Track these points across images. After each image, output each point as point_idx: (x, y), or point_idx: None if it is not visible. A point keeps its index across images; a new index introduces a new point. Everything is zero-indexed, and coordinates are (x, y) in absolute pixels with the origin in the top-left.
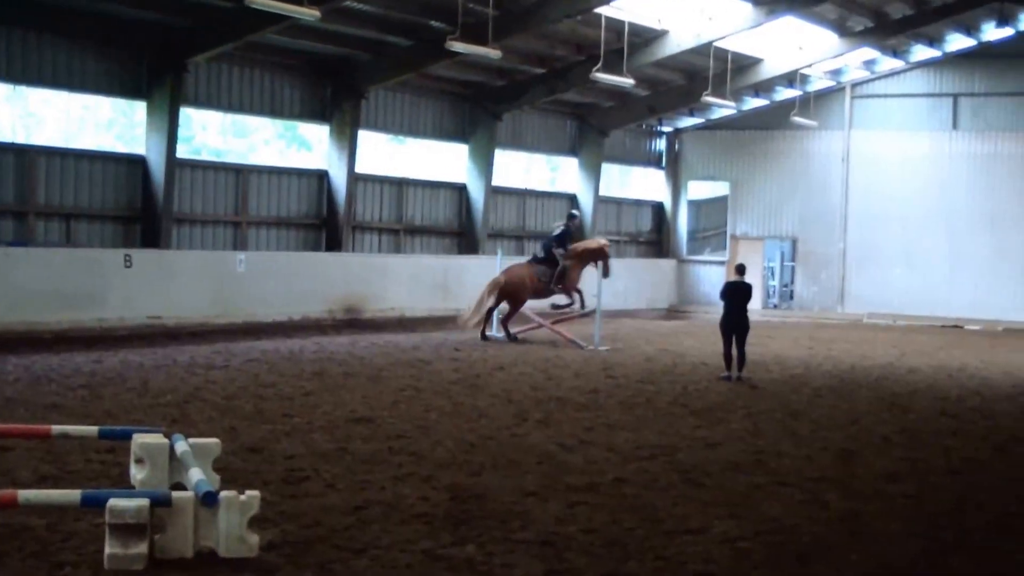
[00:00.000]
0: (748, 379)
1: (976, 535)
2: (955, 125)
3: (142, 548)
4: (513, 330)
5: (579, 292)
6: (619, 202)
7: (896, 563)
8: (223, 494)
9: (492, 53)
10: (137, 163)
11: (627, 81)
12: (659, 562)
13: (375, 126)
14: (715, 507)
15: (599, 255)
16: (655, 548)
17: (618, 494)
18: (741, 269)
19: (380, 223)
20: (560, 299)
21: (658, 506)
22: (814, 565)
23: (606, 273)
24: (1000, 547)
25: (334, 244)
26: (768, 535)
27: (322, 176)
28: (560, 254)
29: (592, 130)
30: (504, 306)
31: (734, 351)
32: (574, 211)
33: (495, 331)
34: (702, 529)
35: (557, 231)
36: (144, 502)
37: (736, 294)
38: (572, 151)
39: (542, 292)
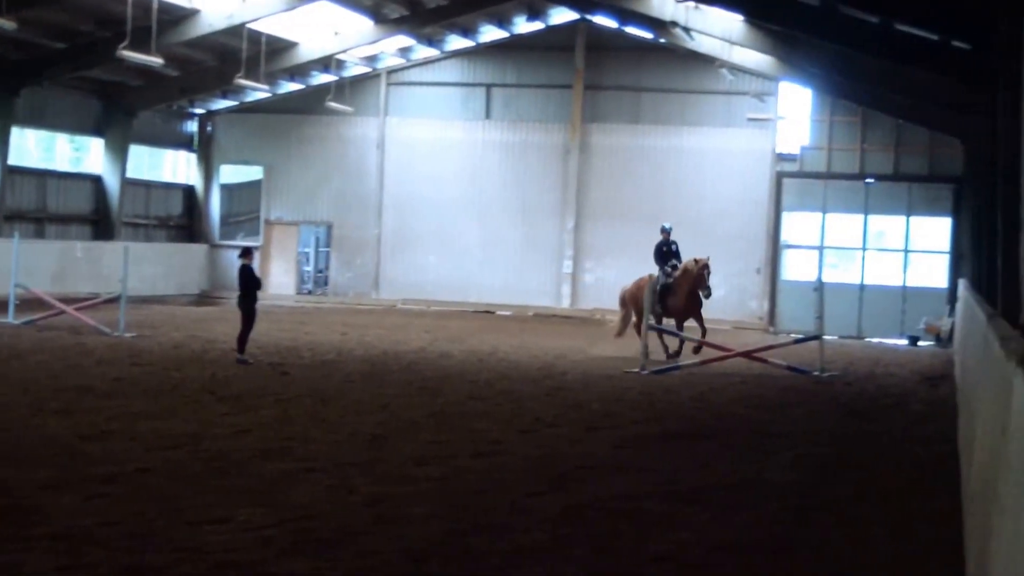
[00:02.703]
0: (279, 365)
1: (497, 515)
2: (488, 115)
3: None
4: (34, 316)
5: (696, 321)
6: (148, 185)
7: (417, 545)
8: None
9: (6, 24)
10: None
11: (155, 60)
12: (180, 553)
13: None
14: (240, 495)
15: (692, 277)
16: (176, 539)
17: (140, 485)
18: (242, 252)
19: None
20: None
21: (181, 496)
22: (338, 550)
23: (706, 294)
24: (519, 526)
25: None
26: (293, 522)
27: None
28: (659, 275)
29: (119, 110)
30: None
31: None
32: (665, 224)
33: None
34: (226, 518)
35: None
36: None
37: (239, 277)
38: (98, 131)
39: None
